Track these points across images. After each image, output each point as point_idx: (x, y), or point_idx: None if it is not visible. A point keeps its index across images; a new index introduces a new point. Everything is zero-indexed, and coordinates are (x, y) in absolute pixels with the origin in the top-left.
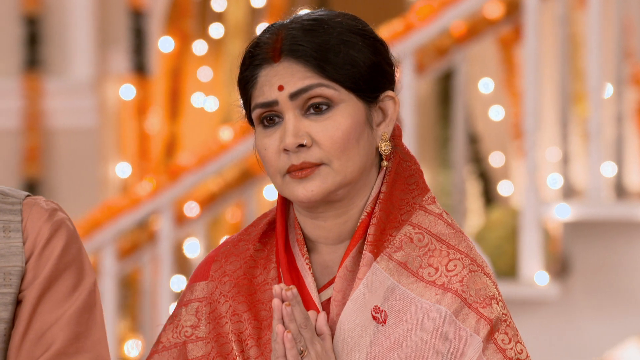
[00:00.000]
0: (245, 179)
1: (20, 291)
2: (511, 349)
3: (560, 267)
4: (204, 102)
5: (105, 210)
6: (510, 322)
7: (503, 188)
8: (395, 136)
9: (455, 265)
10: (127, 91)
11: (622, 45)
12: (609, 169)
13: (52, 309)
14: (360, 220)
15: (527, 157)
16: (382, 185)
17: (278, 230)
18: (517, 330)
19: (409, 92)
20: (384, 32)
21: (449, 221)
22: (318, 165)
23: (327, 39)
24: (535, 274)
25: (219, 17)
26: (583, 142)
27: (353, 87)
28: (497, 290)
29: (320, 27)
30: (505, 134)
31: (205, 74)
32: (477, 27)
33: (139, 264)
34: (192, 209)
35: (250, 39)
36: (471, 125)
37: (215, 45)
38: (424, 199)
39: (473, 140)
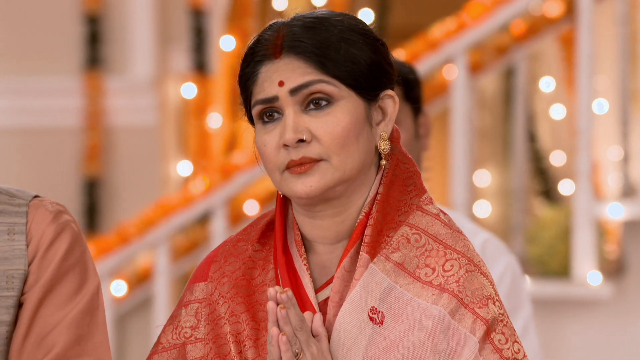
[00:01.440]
0: None
1: (22, 294)
2: (508, 349)
3: (616, 267)
4: None
5: (159, 208)
6: (507, 322)
7: (564, 187)
8: (394, 138)
9: (452, 266)
10: (188, 90)
11: None
12: None
13: (54, 311)
14: (358, 221)
15: (580, 156)
16: (379, 186)
17: (276, 231)
18: (514, 330)
19: (463, 90)
20: (437, 30)
21: (446, 221)
22: (317, 160)
23: (328, 36)
24: (588, 274)
25: (280, 16)
26: None
27: (353, 85)
28: (494, 290)
29: (321, 24)
30: (566, 132)
31: None
32: (536, 26)
33: (197, 262)
34: (251, 207)
35: None
36: (533, 123)
37: None
38: (421, 199)
39: (534, 139)
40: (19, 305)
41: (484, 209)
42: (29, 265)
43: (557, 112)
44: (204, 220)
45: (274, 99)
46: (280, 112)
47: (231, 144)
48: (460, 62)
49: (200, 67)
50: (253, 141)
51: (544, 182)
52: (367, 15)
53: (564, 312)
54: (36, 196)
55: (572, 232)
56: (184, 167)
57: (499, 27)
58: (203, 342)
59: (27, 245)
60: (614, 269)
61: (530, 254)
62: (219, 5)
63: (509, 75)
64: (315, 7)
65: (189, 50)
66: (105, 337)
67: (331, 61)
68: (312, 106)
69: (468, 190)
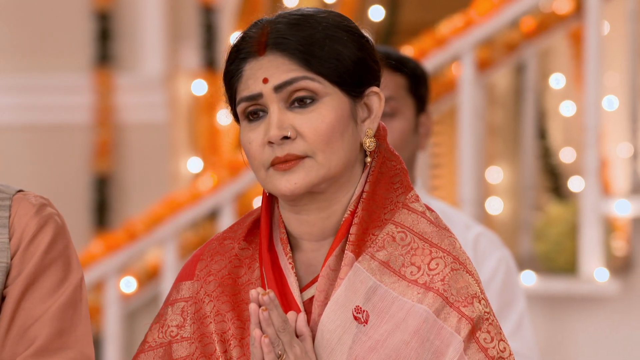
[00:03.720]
0: None
1: (5, 287)
2: (493, 347)
3: (624, 263)
4: None
5: (167, 205)
6: (493, 321)
7: (574, 184)
8: (380, 135)
9: (437, 264)
10: (198, 86)
11: None
12: None
13: (36, 304)
14: (344, 218)
15: (588, 153)
16: (365, 184)
17: (262, 229)
18: (500, 329)
19: (470, 87)
20: (444, 28)
21: (432, 219)
22: (302, 157)
23: (313, 33)
24: (595, 271)
25: None
26: None
27: (338, 81)
28: (480, 289)
29: (305, 21)
30: (576, 129)
31: None
32: (546, 23)
33: None
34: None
35: None
36: (543, 120)
37: None
38: (407, 197)
39: (544, 136)
40: (2, 299)
41: (496, 205)
42: (12, 258)
43: (568, 108)
44: (212, 216)
45: (258, 96)
46: (264, 109)
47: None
48: (467, 59)
49: (210, 64)
50: (238, 139)
51: (554, 179)
52: (377, 13)
53: (571, 308)
54: (20, 190)
55: (579, 229)
56: (194, 164)
57: (506, 24)
58: (189, 341)
59: (10, 239)
60: (621, 266)
61: (538, 250)
62: (229, 2)
63: (519, 71)
64: (326, 5)
65: (199, 47)
66: (88, 330)
67: (316, 58)
68: (296, 103)
69: (480, 187)
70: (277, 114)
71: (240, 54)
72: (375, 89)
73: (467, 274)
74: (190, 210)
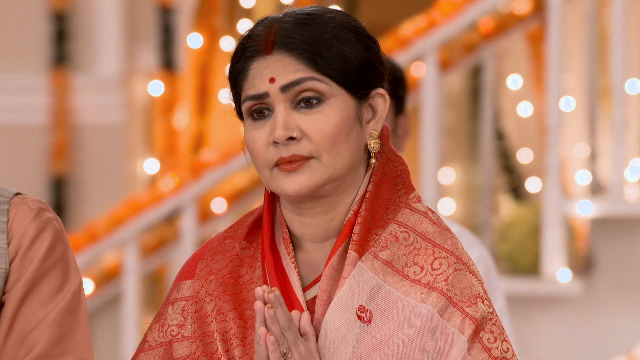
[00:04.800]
0: None
1: (3, 293)
2: (497, 347)
3: (585, 264)
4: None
5: (128, 206)
6: (496, 321)
7: (531, 184)
8: (383, 136)
9: (440, 264)
10: (156, 87)
11: None
12: (634, 166)
13: (35, 310)
14: (347, 219)
15: (550, 154)
16: (369, 184)
17: (264, 229)
18: (503, 329)
19: (433, 88)
20: (407, 28)
21: (435, 219)
22: (308, 158)
23: (320, 33)
24: (558, 271)
25: (248, 14)
26: (611, 138)
27: (344, 83)
28: (483, 289)
29: (313, 21)
30: (534, 130)
31: None
32: (505, 23)
33: (165, 260)
34: (219, 205)
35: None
36: (500, 121)
37: None
38: (409, 197)
39: (501, 137)
40: (1, 305)
41: (448, 206)
42: (10, 263)
43: (525, 109)
44: (172, 218)
45: (265, 95)
46: (270, 108)
47: (198, 142)
48: (430, 60)
49: (167, 64)
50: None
51: (511, 179)
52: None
53: (534, 309)
54: (18, 193)
55: (541, 230)
56: (150, 165)
57: (469, 25)
58: (190, 340)
59: (9, 244)
60: (582, 266)
61: (500, 251)
62: (186, 3)
63: (475, 73)
64: (283, 5)
65: (157, 48)
66: (87, 336)
67: (323, 58)
68: (302, 104)
69: (434, 187)
70: (283, 114)
71: (246, 52)
72: (380, 90)
73: (470, 274)
74: (152, 211)
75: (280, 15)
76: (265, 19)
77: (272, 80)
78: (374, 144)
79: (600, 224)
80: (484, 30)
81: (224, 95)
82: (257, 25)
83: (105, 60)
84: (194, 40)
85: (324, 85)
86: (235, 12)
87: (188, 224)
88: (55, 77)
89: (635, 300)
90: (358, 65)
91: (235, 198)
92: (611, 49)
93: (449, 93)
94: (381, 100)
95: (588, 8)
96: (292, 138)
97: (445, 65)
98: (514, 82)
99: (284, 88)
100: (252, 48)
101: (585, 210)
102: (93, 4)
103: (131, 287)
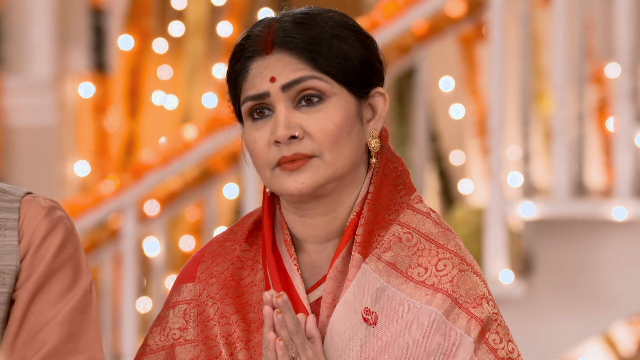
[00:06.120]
0: (205, 177)
1: (14, 290)
2: (502, 348)
3: (523, 265)
4: (163, 100)
5: (67, 209)
6: (501, 322)
7: (463, 186)
8: (382, 137)
9: (444, 265)
10: (87, 89)
11: (584, 44)
12: (570, 167)
13: (46, 308)
14: (349, 220)
15: (491, 156)
16: (370, 185)
17: (265, 231)
18: (508, 329)
19: None
20: None
21: (437, 220)
22: (310, 157)
23: (319, 32)
24: (500, 273)
25: (179, 15)
26: (544, 141)
27: (345, 81)
28: (487, 289)
29: (312, 20)
30: (466, 132)
31: (165, 72)
32: (438, 26)
33: (99, 262)
34: (152, 207)
35: (210, 38)
36: (431, 123)
37: (175, 44)
38: (411, 197)
39: (433, 139)
40: (11, 302)
41: None
42: (21, 261)
43: (457, 112)
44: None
45: (265, 95)
46: (271, 108)
47: (130, 144)
48: None
49: (99, 66)
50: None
51: (444, 181)
52: (268, 15)
53: None
54: (29, 192)
55: (483, 232)
56: (81, 167)
57: (410, 27)
58: (192, 344)
59: (19, 241)
60: (522, 268)
61: None
62: (118, 5)
63: (405, 75)
64: (215, 7)
65: (88, 50)
66: (98, 334)
67: (323, 57)
68: (303, 102)
69: None
70: (284, 113)
71: (245, 53)
72: (380, 89)
73: (475, 275)
74: (92, 214)
75: (278, 15)
76: (264, 19)
77: (272, 79)
78: (374, 144)
79: (537, 226)
80: (418, 33)
81: (157, 97)
82: (255, 26)
83: (37, 62)
84: (125, 42)
85: (324, 83)
86: (167, 13)
87: (129, 226)
88: None
89: (574, 302)
90: (358, 63)
91: (167, 200)
92: (551, 50)
93: None
94: (381, 99)
95: (521, 10)
96: (294, 137)
97: None
98: (446, 84)
99: (285, 87)
100: (251, 48)
101: (527, 212)
102: (24, 5)
103: None
